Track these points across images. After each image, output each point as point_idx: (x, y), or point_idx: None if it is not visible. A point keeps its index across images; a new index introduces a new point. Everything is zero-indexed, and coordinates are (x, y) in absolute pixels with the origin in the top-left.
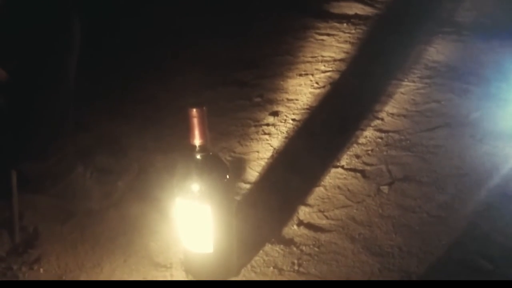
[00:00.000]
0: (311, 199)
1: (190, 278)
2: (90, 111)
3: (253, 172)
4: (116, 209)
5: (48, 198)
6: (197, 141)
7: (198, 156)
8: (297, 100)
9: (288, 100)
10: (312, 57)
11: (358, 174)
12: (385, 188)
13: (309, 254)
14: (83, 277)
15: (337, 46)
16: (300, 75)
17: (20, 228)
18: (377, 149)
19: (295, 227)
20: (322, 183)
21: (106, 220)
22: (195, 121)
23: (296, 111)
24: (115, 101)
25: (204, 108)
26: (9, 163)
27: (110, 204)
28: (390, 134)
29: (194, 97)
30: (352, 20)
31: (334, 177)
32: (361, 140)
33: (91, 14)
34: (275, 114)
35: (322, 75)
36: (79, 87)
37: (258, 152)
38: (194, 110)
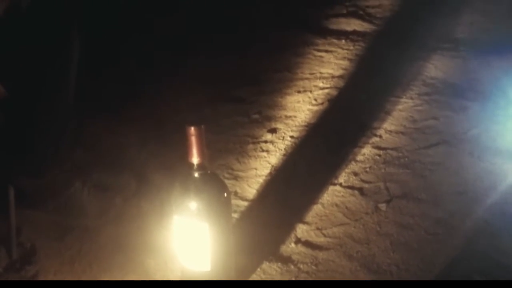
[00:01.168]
0: (309, 217)
1: None
2: (88, 126)
3: (251, 190)
4: (114, 225)
5: (46, 214)
6: (195, 159)
7: (196, 174)
8: (295, 117)
9: (286, 117)
10: (310, 73)
11: (356, 192)
12: (383, 206)
13: (307, 272)
14: None
15: (335, 63)
16: (299, 91)
17: (17, 244)
18: (375, 166)
19: (292, 244)
20: (320, 200)
21: (103, 236)
22: (193, 139)
23: (294, 128)
24: (113, 117)
25: (202, 126)
26: (7, 179)
27: (107, 221)
28: (388, 151)
29: (193, 114)
30: (350, 36)
31: (332, 194)
32: (359, 157)
33: (90, 28)
34: (273, 131)
35: (321, 91)
36: (78, 102)
37: (256, 169)
38: (192, 128)
